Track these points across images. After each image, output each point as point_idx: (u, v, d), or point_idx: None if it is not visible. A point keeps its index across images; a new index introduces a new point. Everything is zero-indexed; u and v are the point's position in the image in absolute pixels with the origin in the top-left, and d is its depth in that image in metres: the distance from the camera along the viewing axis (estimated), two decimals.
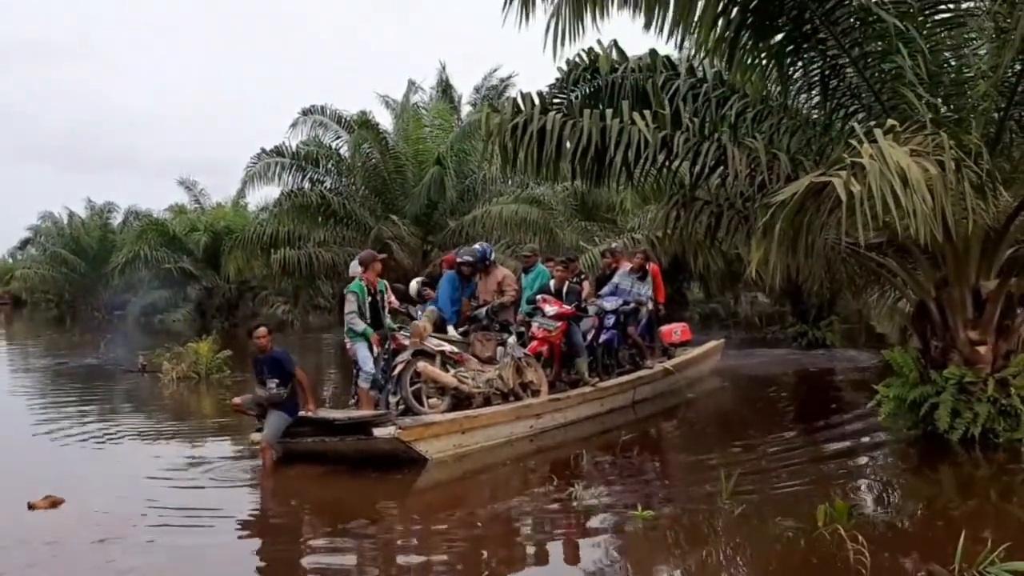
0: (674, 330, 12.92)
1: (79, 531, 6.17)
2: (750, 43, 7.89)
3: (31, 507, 6.73)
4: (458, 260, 10.30)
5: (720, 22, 7.58)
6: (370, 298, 9.21)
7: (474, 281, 10.39)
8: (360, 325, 9.09)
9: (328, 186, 21.27)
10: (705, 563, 5.53)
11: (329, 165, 21.36)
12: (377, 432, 7.94)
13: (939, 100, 7.69)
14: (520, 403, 9.27)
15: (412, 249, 19.99)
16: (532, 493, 7.31)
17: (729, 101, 8.99)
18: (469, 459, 8.40)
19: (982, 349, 8.33)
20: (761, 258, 6.29)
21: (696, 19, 7.38)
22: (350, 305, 9.18)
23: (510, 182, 21.21)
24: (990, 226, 7.91)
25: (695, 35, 7.66)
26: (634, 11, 7.66)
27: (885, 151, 5.48)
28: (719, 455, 8.39)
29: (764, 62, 8.27)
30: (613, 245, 14.64)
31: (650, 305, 11.66)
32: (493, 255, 10.70)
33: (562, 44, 7.84)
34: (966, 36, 8.25)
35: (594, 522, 6.41)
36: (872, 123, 7.09)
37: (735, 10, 7.53)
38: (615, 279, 11.68)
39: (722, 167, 8.41)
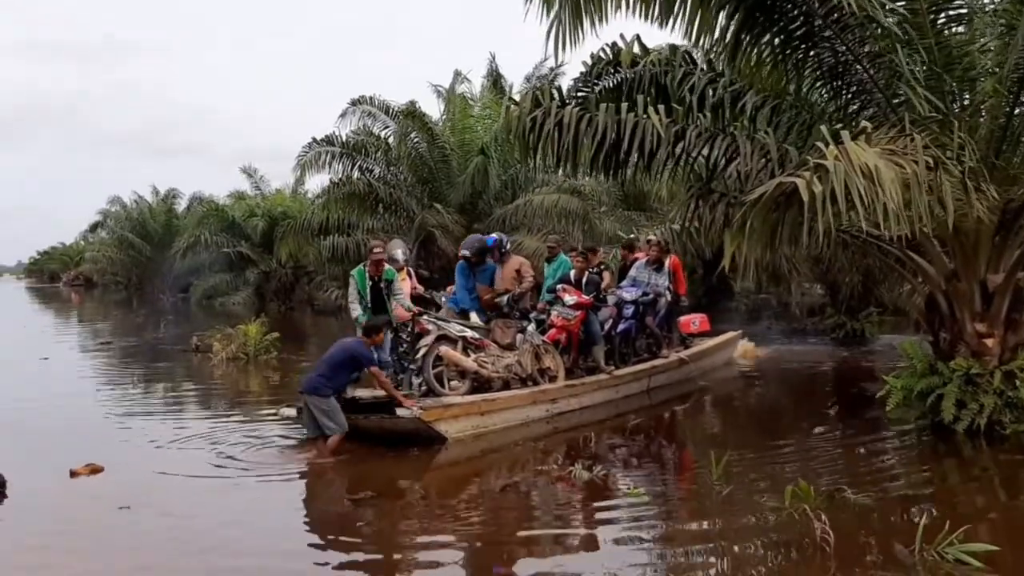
0: (692, 320, 13.23)
1: (111, 497, 6.69)
2: (750, 42, 8.09)
3: (73, 474, 7.30)
4: (460, 254, 10.73)
5: (720, 19, 7.80)
6: (371, 283, 9.63)
7: (489, 267, 10.74)
8: (355, 311, 9.56)
9: (376, 175, 21.81)
10: (680, 538, 5.87)
11: (377, 154, 21.89)
12: (400, 411, 8.38)
13: (945, 96, 7.81)
14: (537, 388, 9.65)
15: (456, 237, 20.36)
16: (536, 471, 7.69)
17: (746, 96, 9.18)
18: (485, 439, 8.80)
19: (989, 342, 8.43)
20: (734, 253, 6.52)
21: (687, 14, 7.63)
22: (349, 291, 9.70)
23: (551, 172, 21.47)
24: (1000, 219, 8.04)
25: (691, 33, 7.90)
26: (631, 11, 7.92)
27: (852, 152, 5.70)
28: (720, 440, 8.68)
29: (767, 58, 8.45)
30: (631, 237, 14.87)
31: (668, 296, 11.91)
32: (508, 245, 11.13)
33: (563, 48, 8.08)
34: (975, 31, 8.32)
35: (589, 499, 6.77)
36: (863, 119, 7.24)
37: (731, 10, 7.74)
38: (632, 271, 11.92)
39: (737, 160, 8.63)
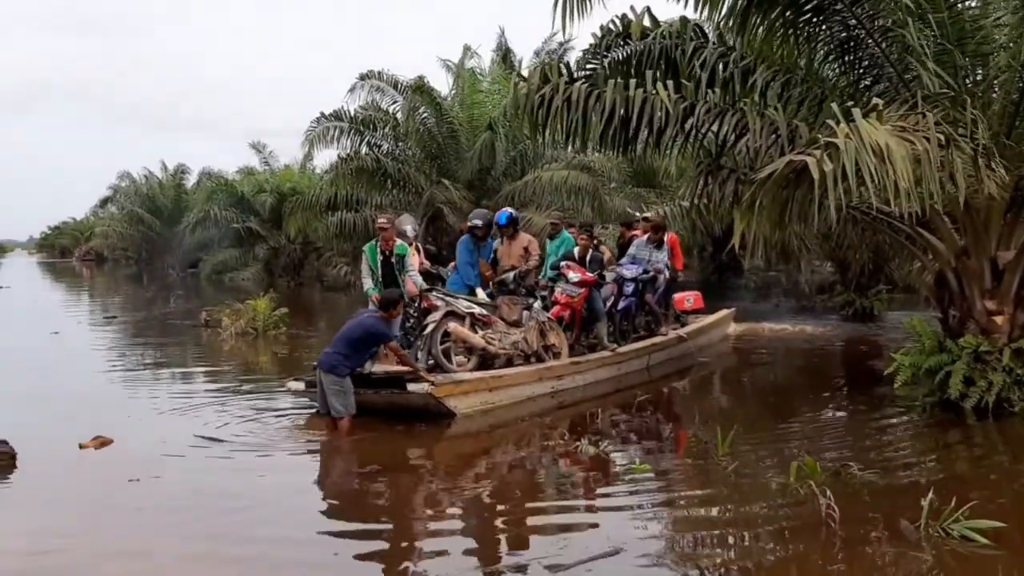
0: (686, 298, 13.32)
1: (119, 469, 6.75)
2: (759, 14, 8.02)
3: (81, 447, 7.36)
4: (468, 224, 10.72)
5: None
6: (382, 258, 9.68)
7: (491, 243, 10.75)
8: (366, 284, 9.65)
9: (384, 150, 21.78)
10: (685, 513, 5.90)
11: (386, 130, 21.85)
12: (411, 387, 8.41)
13: (957, 72, 7.73)
14: (543, 365, 9.70)
15: (464, 213, 20.35)
16: (543, 446, 7.73)
17: (756, 71, 9.10)
18: (492, 415, 8.84)
19: (999, 319, 8.40)
20: (744, 231, 6.49)
21: None
22: (361, 266, 9.79)
23: (560, 148, 21.40)
24: (1012, 196, 7.99)
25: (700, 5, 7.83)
26: None
27: (862, 129, 5.65)
28: (726, 416, 8.70)
29: (778, 31, 8.37)
30: (636, 214, 14.83)
31: (667, 273, 11.93)
32: (519, 221, 11.13)
33: (570, 19, 8.02)
34: (988, 5, 8.23)
35: (596, 474, 6.80)
36: (874, 95, 7.18)
37: None
38: (631, 249, 11.93)
39: (747, 136, 8.57)
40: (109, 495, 6.25)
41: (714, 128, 8.71)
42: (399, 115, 21.86)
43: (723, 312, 14.67)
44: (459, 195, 20.28)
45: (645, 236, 11.97)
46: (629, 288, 11.41)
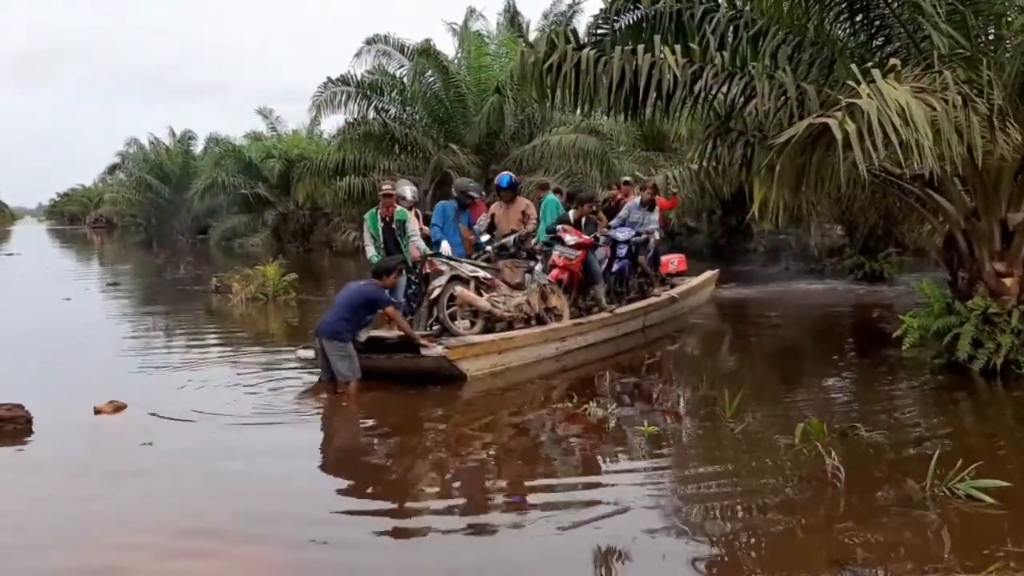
0: (671, 260, 13.67)
1: (132, 433, 6.83)
2: None
3: (97, 411, 7.44)
4: (461, 191, 10.68)
5: None
6: (383, 224, 9.70)
7: (467, 212, 10.77)
8: (370, 252, 9.70)
9: (391, 115, 21.72)
10: (693, 473, 5.97)
11: (393, 94, 21.80)
12: (425, 351, 8.48)
13: (969, 33, 7.65)
14: (548, 327, 9.80)
15: (473, 178, 20.34)
16: (552, 408, 7.81)
17: (767, 33, 9.01)
18: (502, 377, 8.93)
19: (1008, 281, 8.39)
20: (763, 197, 6.49)
21: None
22: (364, 233, 9.91)
23: (569, 112, 21.27)
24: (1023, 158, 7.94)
25: None
26: None
27: (884, 90, 5.61)
28: (732, 377, 8.76)
29: None
30: (623, 178, 14.85)
31: (657, 236, 12.19)
32: (518, 185, 11.21)
33: None
34: None
35: (604, 435, 6.87)
36: (886, 56, 7.11)
37: None
38: (623, 212, 12.02)
39: (755, 99, 8.52)
40: (122, 460, 6.33)
41: (723, 90, 8.65)
42: (406, 79, 21.75)
43: (708, 273, 14.94)
44: (467, 159, 20.24)
45: (638, 199, 12.04)
46: (622, 250, 11.55)
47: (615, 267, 11.54)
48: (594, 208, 11.42)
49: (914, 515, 4.88)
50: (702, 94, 8.75)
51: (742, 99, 8.65)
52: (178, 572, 4.39)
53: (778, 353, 11.22)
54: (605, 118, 20.91)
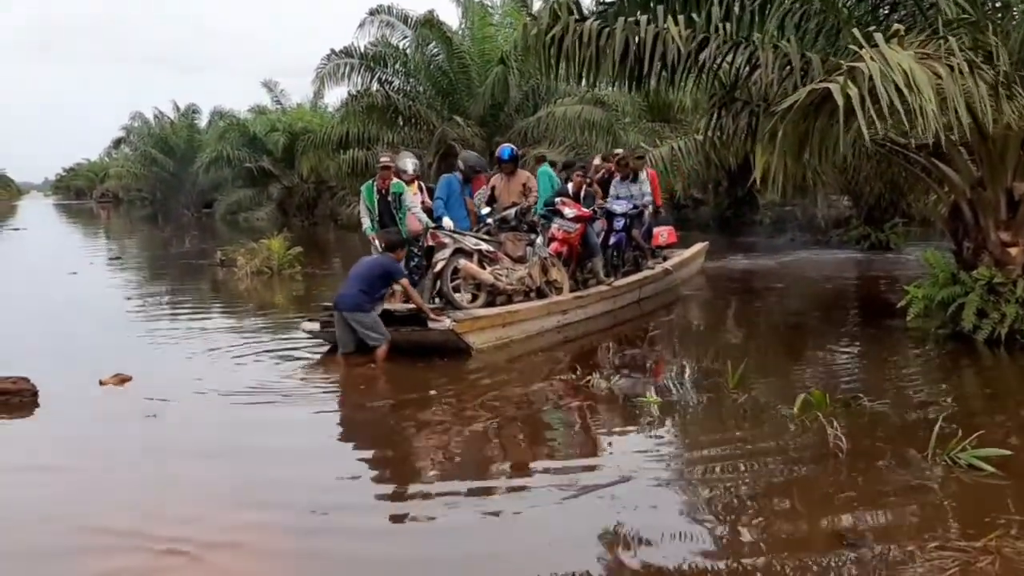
0: (661, 232, 13.52)
1: (136, 406, 6.87)
2: None
3: (102, 383, 7.49)
4: (468, 166, 10.61)
5: None
6: (379, 196, 9.67)
7: (470, 185, 10.69)
8: (364, 224, 9.70)
9: (395, 87, 21.59)
10: (695, 443, 6.01)
11: (396, 66, 21.65)
12: (433, 324, 8.51)
13: (977, 0, 7.56)
14: (551, 300, 9.85)
15: (477, 151, 20.27)
16: (556, 380, 7.83)
17: (775, 2, 8.90)
18: (506, 349, 8.97)
19: (1013, 251, 8.37)
20: (765, 164, 6.45)
21: None
22: (360, 206, 9.93)
23: (574, 83, 21.12)
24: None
25: None
26: None
27: (886, 54, 5.56)
28: (731, 348, 8.81)
29: None
30: (617, 150, 14.78)
31: (651, 208, 12.23)
32: (520, 158, 11.16)
33: None
34: None
35: (608, 407, 6.89)
36: (892, 23, 7.04)
37: None
38: (611, 188, 12.02)
39: (761, 69, 8.44)
40: (126, 432, 6.37)
41: (728, 61, 8.58)
42: (409, 51, 21.61)
43: (699, 245, 15.00)
44: (471, 132, 20.14)
45: (620, 176, 12.06)
46: (619, 223, 11.56)
47: (612, 240, 11.59)
48: (579, 175, 11.41)
49: (915, 484, 4.90)
50: (707, 64, 8.69)
51: (747, 69, 8.59)
52: (172, 549, 4.33)
53: (781, 323, 11.21)
54: (610, 89, 20.88)
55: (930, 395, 6.97)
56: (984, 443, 5.13)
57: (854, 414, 6.13)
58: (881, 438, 5.72)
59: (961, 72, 6.05)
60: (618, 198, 11.79)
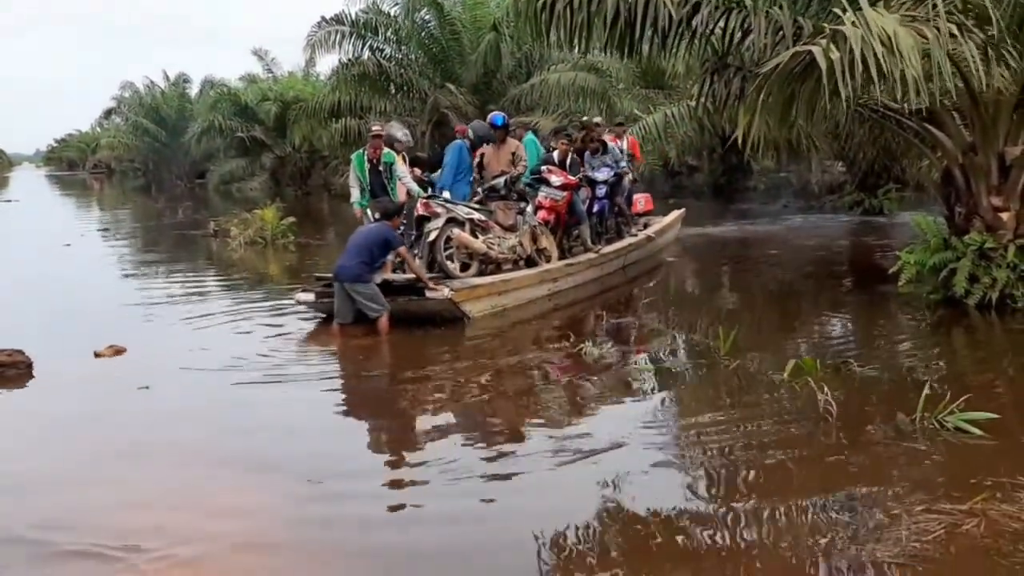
0: (638, 200, 13.69)
1: (131, 377, 6.88)
2: None
3: (97, 355, 7.50)
4: (476, 136, 10.57)
5: None
6: (369, 166, 9.62)
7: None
8: (354, 195, 9.64)
9: (387, 55, 21.44)
10: (687, 410, 6.07)
11: (388, 33, 21.48)
12: (431, 293, 8.53)
13: None
14: (542, 268, 9.94)
15: (470, 119, 20.16)
16: (550, 348, 7.91)
17: None
18: (500, 317, 9.03)
19: (1004, 216, 8.39)
20: (747, 126, 6.44)
21: None
22: (349, 176, 9.87)
23: (567, 50, 20.95)
24: (1022, 90, 7.85)
25: None
26: None
27: (869, 17, 5.53)
28: (721, 315, 8.96)
29: None
30: (596, 120, 14.68)
31: (631, 176, 12.40)
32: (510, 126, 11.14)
33: None
34: None
35: (600, 374, 6.92)
36: None
37: None
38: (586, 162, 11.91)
39: (753, 34, 8.40)
40: (117, 404, 6.38)
41: (720, 26, 8.53)
42: (400, 17, 21.42)
43: (676, 213, 15.02)
44: (464, 99, 20.04)
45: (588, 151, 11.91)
46: (601, 191, 11.58)
47: (595, 207, 11.63)
48: (564, 143, 11.42)
49: (903, 447, 4.95)
50: (699, 30, 8.63)
51: (740, 34, 8.54)
52: (164, 520, 4.33)
53: (773, 289, 11.27)
54: (604, 56, 20.76)
55: (920, 360, 7.03)
56: (972, 406, 5.18)
57: (844, 379, 6.18)
58: (870, 402, 5.79)
59: (951, 35, 6.03)
60: (602, 164, 11.77)
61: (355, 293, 8.24)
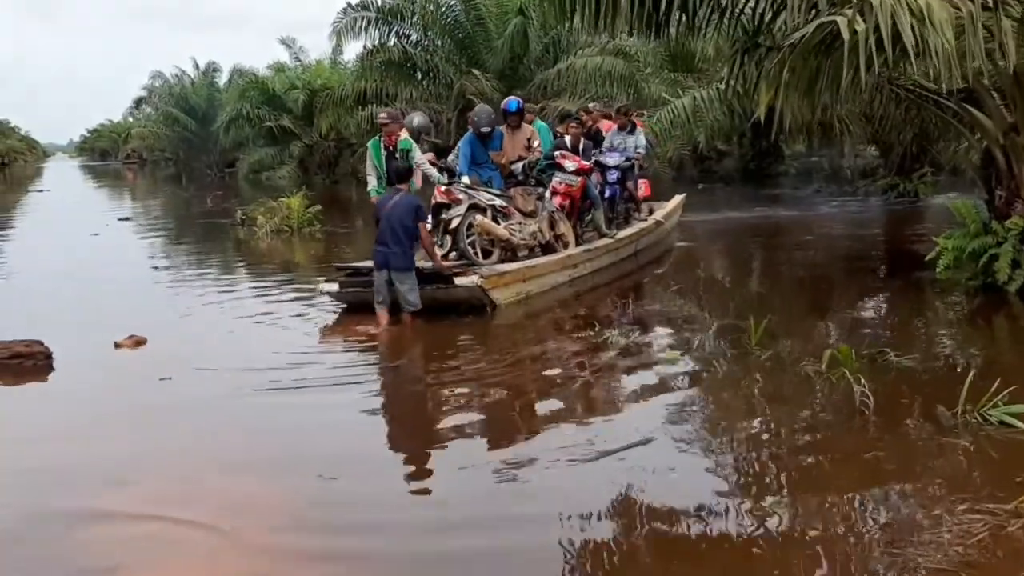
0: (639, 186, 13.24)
1: (151, 368, 6.77)
2: None
3: (117, 346, 7.42)
4: (483, 131, 10.29)
5: None
6: (385, 152, 9.46)
7: (497, 133, 10.29)
8: (370, 183, 9.51)
9: (412, 41, 21.33)
10: (717, 401, 5.88)
11: (414, 19, 21.33)
12: (459, 281, 8.39)
13: None
14: (564, 254, 9.84)
15: (496, 105, 19.97)
16: (574, 336, 7.76)
17: None
18: (525, 304, 8.91)
19: None
20: (770, 101, 6.20)
21: None
22: (366, 163, 9.71)
23: (593, 34, 20.71)
24: None
25: None
26: None
27: None
28: (747, 302, 8.83)
29: None
30: (591, 105, 14.43)
31: (643, 160, 12.19)
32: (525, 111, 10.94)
33: None
34: None
35: (626, 363, 6.76)
36: None
37: None
38: (608, 140, 11.76)
39: (785, 12, 8.15)
40: (137, 396, 6.28)
41: (751, 5, 8.28)
42: (425, 2, 21.26)
43: (678, 198, 14.69)
44: (490, 86, 19.84)
45: (618, 126, 11.81)
46: (613, 176, 11.41)
47: (607, 193, 11.45)
48: (575, 127, 11.25)
49: (944, 442, 4.73)
50: (729, 8, 8.40)
51: (771, 13, 8.27)
52: (175, 516, 4.22)
53: (804, 276, 11.00)
54: (631, 39, 20.47)
55: (960, 349, 6.78)
56: (1017, 399, 4.93)
57: (881, 370, 5.94)
58: (909, 395, 5.55)
59: (987, 7, 5.73)
60: (611, 149, 11.59)
61: (399, 282, 8.01)
